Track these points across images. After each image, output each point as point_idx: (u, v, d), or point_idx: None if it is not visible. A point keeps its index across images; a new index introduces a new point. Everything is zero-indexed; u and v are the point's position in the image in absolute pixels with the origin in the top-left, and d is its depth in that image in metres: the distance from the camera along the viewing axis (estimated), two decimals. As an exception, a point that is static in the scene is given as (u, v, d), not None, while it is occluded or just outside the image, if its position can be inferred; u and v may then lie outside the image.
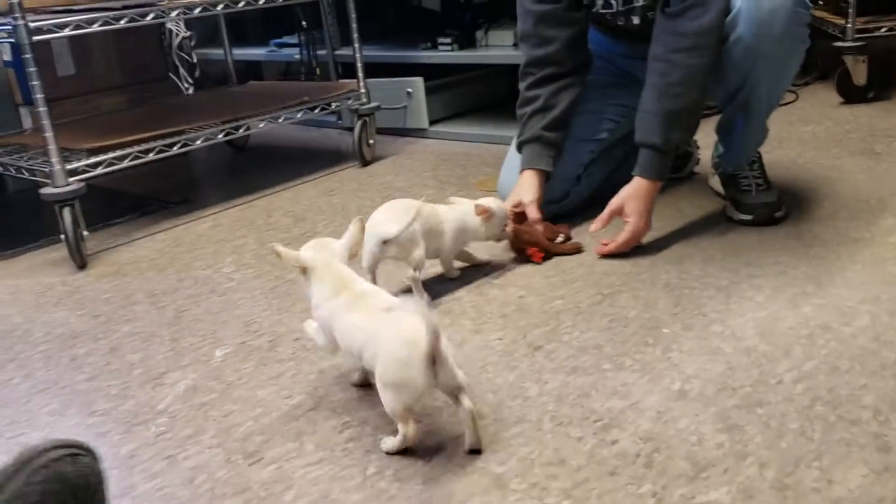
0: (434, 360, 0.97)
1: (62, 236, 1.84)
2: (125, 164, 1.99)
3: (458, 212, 1.56)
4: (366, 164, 2.54)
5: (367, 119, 2.53)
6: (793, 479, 0.94)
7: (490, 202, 1.58)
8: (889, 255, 1.50)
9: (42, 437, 1.16)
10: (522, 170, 1.72)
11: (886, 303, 1.33)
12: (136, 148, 2.02)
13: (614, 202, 1.62)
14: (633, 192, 1.61)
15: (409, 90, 2.81)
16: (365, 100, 2.54)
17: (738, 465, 0.98)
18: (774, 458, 0.98)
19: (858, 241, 1.57)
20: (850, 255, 1.52)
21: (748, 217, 1.71)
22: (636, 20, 1.69)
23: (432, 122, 2.85)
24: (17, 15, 1.71)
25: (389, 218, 1.44)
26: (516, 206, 1.68)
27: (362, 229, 1.23)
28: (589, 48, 1.79)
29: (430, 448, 1.07)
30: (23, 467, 0.74)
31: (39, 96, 1.76)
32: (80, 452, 0.78)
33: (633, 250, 1.63)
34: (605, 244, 1.62)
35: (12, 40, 1.75)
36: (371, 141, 2.55)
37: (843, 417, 1.04)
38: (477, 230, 1.57)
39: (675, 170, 2.05)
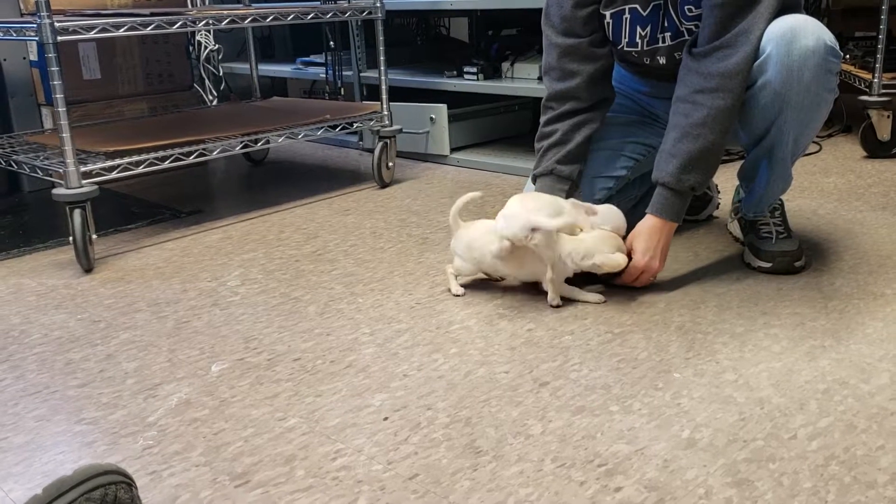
0: None
1: (70, 238, 1.82)
2: (140, 169, 1.98)
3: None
4: (384, 186, 2.52)
5: (389, 141, 2.52)
6: (803, 541, 0.90)
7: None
8: (912, 314, 1.45)
9: (25, 443, 1.14)
10: None
11: (907, 362, 1.28)
12: (153, 154, 2.00)
13: (627, 239, 1.60)
14: (641, 230, 1.59)
15: (433, 116, 2.80)
16: (387, 122, 2.52)
17: (746, 522, 0.93)
18: (784, 518, 0.93)
19: (879, 297, 1.53)
20: (871, 310, 1.47)
21: (767, 265, 1.67)
22: (662, 60, 1.67)
23: (453, 150, 2.84)
24: (42, 14, 1.70)
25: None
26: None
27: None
28: (612, 84, 1.76)
29: (425, 482, 1.02)
30: (83, 482, 0.77)
31: (59, 96, 1.75)
32: (133, 484, 0.81)
33: (646, 291, 1.60)
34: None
35: (38, 39, 1.74)
36: (390, 164, 2.53)
37: (859, 479, 1.00)
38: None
39: (693, 212, 2.02)
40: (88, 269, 1.85)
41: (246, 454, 1.10)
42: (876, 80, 2.49)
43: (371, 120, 2.51)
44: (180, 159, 2.05)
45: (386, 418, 1.18)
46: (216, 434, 1.15)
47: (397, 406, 1.21)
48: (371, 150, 2.58)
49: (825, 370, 1.27)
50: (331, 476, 1.04)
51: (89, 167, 1.87)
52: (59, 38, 1.75)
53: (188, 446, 1.13)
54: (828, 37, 1.51)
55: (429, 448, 1.10)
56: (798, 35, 1.49)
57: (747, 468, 1.03)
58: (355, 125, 2.49)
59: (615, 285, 1.61)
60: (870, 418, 1.13)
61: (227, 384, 1.30)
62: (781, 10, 1.52)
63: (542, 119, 1.73)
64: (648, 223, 1.59)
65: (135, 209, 2.38)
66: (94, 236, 1.86)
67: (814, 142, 2.70)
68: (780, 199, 1.74)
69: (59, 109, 1.76)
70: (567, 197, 1.67)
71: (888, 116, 2.54)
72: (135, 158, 1.97)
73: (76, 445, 1.13)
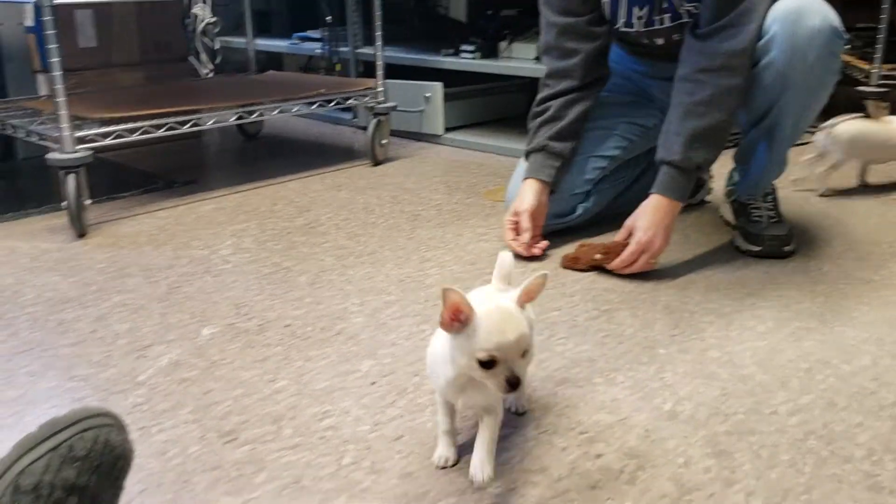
0: None
1: (64, 203, 1.82)
2: (135, 136, 1.98)
3: None
4: (377, 163, 2.52)
5: (383, 118, 2.52)
6: (778, 510, 0.92)
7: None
8: (896, 299, 1.47)
9: (17, 397, 1.15)
10: (524, 179, 1.70)
11: (889, 345, 1.30)
12: (148, 122, 2.00)
13: (629, 220, 1.59)
14: (645, 208, 1.57)
15: (428, 94, 2.80)
16: (382, 99, 2.52)
17: (725, 491, 0.95)
18: (762, 488, 0.95)
19: (866, 283, 1.54)
20: (857, 295, 1.49)
21: (757, 248, 1.68)
22: (660, 40, 1.68)
23: (448, 129, 2.84)
24: (40, -24, 1.70)
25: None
26: (514, 215, 1.67)
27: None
28: (608, 63, 1.77)
29: (410, 443, 1.04)
30: (76, 423, 0.77)
31: (55, 60, 1.75)
32: (125, 430, 0.81)
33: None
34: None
35: (33, 2, 1.74)
36: (384, 141, 2.54)
37: (836, 454, 1.02)
38: None
39: (686, 196, 2.03)
40: (81, 234, 1.85)
41: (234, 413, 1.11)
42: (875, 70, 2.51)
43: (366, 96, 2.51)
44: (174, 128, 2.05)
45: (373, 383, 1.19)
46: (206, 394, 1.17)
47: (385, 372, 1.22)
48: (365, 128, 2.58)
49: (808, 350, 1.28)
50: (318, 435, 1.06)
51: (84, 132, 1.87)
52: (56, 1, 1.74)
53: (178, 404, 1.14)
54: (833, 17, 1.51)
55: (414, 412, 1.11)
56: (804, 15, 1.49)
57: (727, 440, 1.05)
58: (350, 101, 2.49)
59: (612, 272, 1.59)
60: (850, 397, 1.15)
61: (217, 347, 1.31)
62: None
63: (538, 97, 1.74)
64: (652, 202, 1.57)
65: (129, 178, 2.38)
66: (88, 202, 1.86)
67: (809, 130, 2.71)
68: (773, 185, 1.76)
69: (55, 73, 1.76)
70: (557, 175, 1.68)
71: (885, 108, 2.56)
72: (129, 126, 1.97)
73: (67, 400, 1.14)
